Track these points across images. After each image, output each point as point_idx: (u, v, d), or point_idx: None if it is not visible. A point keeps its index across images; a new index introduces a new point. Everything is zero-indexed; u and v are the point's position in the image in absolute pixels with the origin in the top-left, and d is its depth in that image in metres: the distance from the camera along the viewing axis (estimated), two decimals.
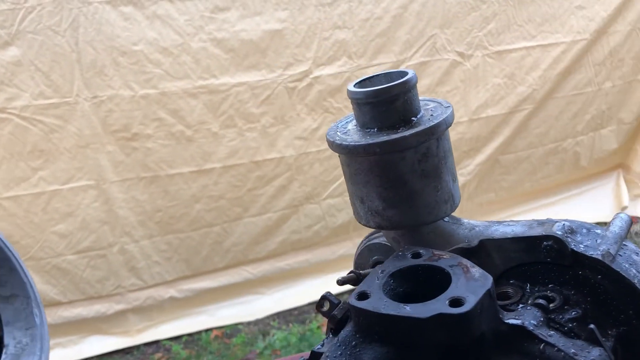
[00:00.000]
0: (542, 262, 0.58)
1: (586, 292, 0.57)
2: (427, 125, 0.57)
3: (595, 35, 2.65)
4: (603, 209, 3.23)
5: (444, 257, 0.56)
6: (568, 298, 0.57)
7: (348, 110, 2.37)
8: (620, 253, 0.57)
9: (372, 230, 0.78)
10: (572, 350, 0.50)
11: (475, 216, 2.99)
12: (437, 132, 0.58)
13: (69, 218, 2.22)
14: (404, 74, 0.59)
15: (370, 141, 0.57)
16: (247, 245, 2.54)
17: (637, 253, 0.58)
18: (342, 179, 2.48)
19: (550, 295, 0.57)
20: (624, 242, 0.59)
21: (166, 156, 2.26)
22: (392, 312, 0.51)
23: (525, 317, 0.53)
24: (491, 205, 3.02)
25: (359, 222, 0.67)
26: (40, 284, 2.30)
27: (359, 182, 0.61)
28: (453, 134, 2.61)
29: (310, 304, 2.73)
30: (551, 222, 0.62)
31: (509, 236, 0.60)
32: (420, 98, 0.61)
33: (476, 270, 0.53)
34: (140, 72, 2.10)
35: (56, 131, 2.09)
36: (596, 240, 0.58)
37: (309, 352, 0.61)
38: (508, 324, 0.52)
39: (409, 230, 0.64)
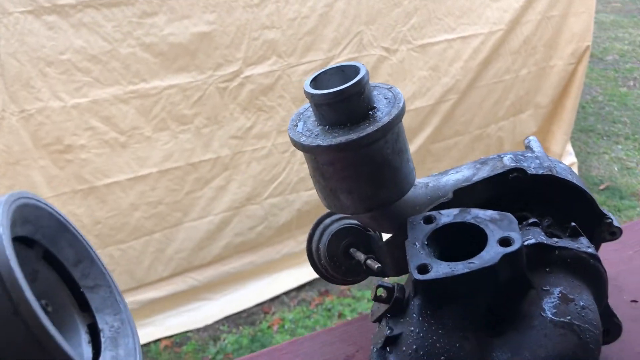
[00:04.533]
0: (507, 193, 0.67)
1: (545, 203, 0.67)
2: (398, 106, 0.62)
3: (510, 25, 2.82)
4: None
5: (455, 212, 0.63)
6: (538, 212, 0.68)
7: (281, 108, 2.42)
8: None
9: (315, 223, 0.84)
10: (576, 245, 0.61)
11: None
12: (405, 110, 0.63)
13: None
14: (356, 67, 0.62)
15: (361, 134, 0.59)
16: (190, 252, 2.52)
17: (560, 162, 0.71)
18: (282, 177, 2.51)
19: (525, 214, 0.67)
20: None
21: (101, 165, 2.22)
22: (465, 270, 0.55)
23: (534, 235, 0.61)
24: None
25: (344, 213, 0.69)
26: None
27: (347, 177, 0.63)
28: None
29: (258, 304, 2.74)
30: (490, 159, 0.71)
31: (477, 179, 0.68)
32: None
33: (490, 213, 0.61)
34: (69, 81, 2.05)
35: None
36: (536, 161, 0.69)
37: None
38: (528, 245, 0.60)
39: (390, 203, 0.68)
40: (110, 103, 2.13)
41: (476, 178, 0.68)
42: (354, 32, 2.46)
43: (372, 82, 0.65)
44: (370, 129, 0.59)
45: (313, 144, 0.60)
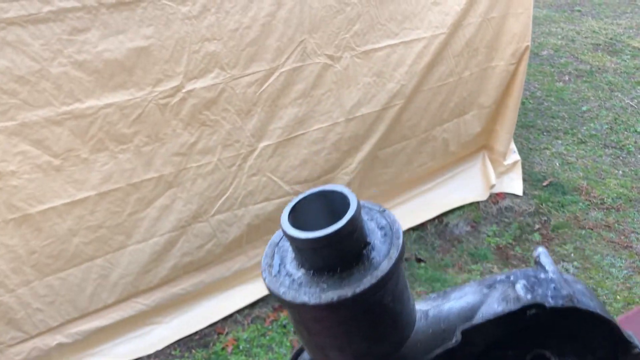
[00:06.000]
0: (523, 329, 0.59)
1: (566, 336, 0.59)
2: (398, 244, 0.50)
3: (452, 28, 2.82)
4: (474, 189, 3.47)
5: None
6: (557, 347, 0.59)
7: (225, 121, 2.33)
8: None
9: None
10: None
11: None
12: (404, 251, 0.52)
13: None
14: (342, 195, 0.50)
15: (357, 289, 0.47)
16: (136, 276, 2.40)
17: (576, 282, 0.62)
18: (229, 192, 2.42)
19: (543, 353, 0.59)
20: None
21: (35, 191, 2.07)
22: None
23: None
24: (375, 199, 3.10)
25: None
26: None
27: (338, 334, 0.52)
28: (332, 134, 2.66)
29: (210, 325, 2.65)
30: (498, 282, 0.61)
31: (488, 316, 0.57)
32: None
33: None
34: None
35: None
36: (552, 286, 0.59)
37: None
38: None
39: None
40: (42, 126, 1.99)
41: (485, 311, 0.58)
42: (297, 41, 2.39)
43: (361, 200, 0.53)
44: (367, 280, 0.47)
45: (296, 301, 0.48)
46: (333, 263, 0.49)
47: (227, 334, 2.62)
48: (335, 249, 0.48)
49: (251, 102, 2.37)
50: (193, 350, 2.55)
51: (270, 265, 0.53)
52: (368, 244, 0.51)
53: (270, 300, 2.78)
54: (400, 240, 0.51)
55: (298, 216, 0.51)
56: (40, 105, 1.97)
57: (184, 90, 2.20)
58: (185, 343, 2.58)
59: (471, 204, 3.38)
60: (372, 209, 0.55)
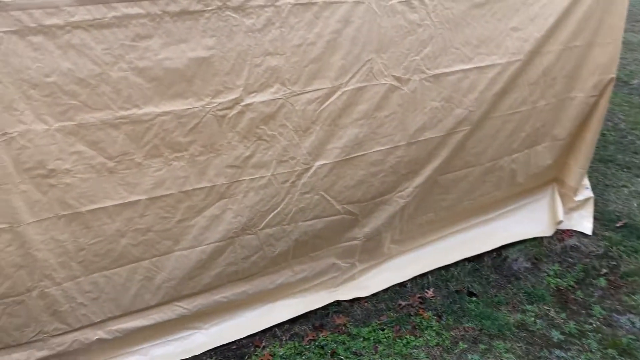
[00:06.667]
0: None
1: None
2: None
3: (529, 55, 2.65)
4: (539, 223, 3.29)
5: None
6: None
7: (282, 137, 2.27)
8: None
9: None
10: None
11: (416, 236, 2.97)
12: None
13: None
14: None
15: None
16: (180, 281, 2.40)
17: None
18: (280, 207, 2.40)
19: None
20: None
21: (87, 191, 2.10)
22: None
23: None
24: (431, 225, 3.00)
25: None
26: None
27: None
28: (391, 157, 2.57)
29: (249, 337, 2.63)
30: None
31: None
32: None
33: None
34: (54, 104, 1.92)
35: None
36: None
37: None
38: None
39: None
40: (99, 128, 2.00)
41: None
42: (363, 60, 2.31)
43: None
44: None
45: None
46: None
47: (264, 347, 2.59)
48: None
49: (310, 119, 2.31)
50: None
51: None
52: None
53: (311, 318, 2.73)
54: None
55: None
56: (98, 108, 1.98)
57: (242, 104, 2.17)
58: (222, 352, 2.57)
59: (534, 239, 3.20)
60: None
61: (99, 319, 2.33)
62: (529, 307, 2.84)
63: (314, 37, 2.18)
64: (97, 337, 2.36)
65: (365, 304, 2.84)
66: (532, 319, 2.76)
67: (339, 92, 2.31)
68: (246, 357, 2.54)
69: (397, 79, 2.41)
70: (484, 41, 2.54)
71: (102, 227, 2.17)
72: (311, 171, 2.41)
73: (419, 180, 2.70)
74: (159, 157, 2.14)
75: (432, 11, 2.37)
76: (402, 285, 2.96)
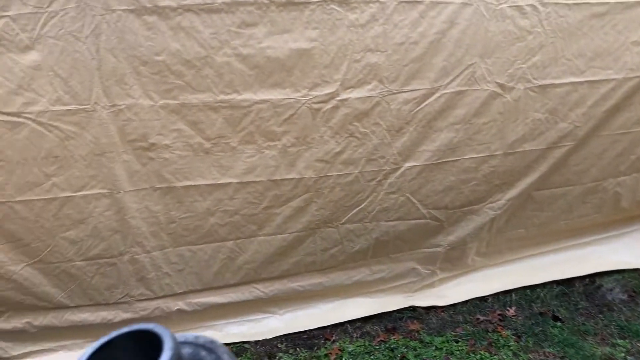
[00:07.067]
0: None
1: None
2: None
3: None
4: None
5: None
6: None
7: (374, 135, 2.26)
8: None
9: None
10: None
11: (503, 251, 2.85)
12: None
13: (80, 225, 2.18)
14: (157, 335, 0.40)
15: None
16: (260, 264, 2.46)
17: None
18: (364, 205, 2.38)
19: None
20: None
21: (183, 167, 2.20)
22: None
23: None
24: (521, 241, 2.88)
25: None
26: (49, 287, 2.27)
27: None
28: (485, 166, 2.48)
29: (320, 328, 2.64)
30: None
31: None
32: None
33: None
34: (161, 82, 2.02)
35: (72, 138, 2.04)
36: None
37: None
38: None
39: None
40: (199, 109, 2.09)
41: None
42: (466, 64, 2.24)
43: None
44: None
45: None
46: None
47: (334, 341, 2.60)
48: None
49: (405, 119, 2.28)
50: (298, 349, 2.56)
51: None
52: None
53: (384, 319, 2.71)
54: None
55: None
56: (201, 90, 2.06)
57: (338, 98, 2.17)
58: (293, 339, 2.60)
59: (634, 271, 2.97)
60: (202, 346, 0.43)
61: (181, 290, 2.44)
62: (620, 341, 2.64)
63: (417, 36, 2.14)
64: (177, 308, 2.47)
65: (442, 313, 2.77)
66: (623, 354, 2.57)
67: (437, 94, 2.26)
68: (315, 348, 2.56)
69: (500, 85, 2.32)
70: (600, 54, 2.38)
71: (194, 204, 2.26)
72: (399, 172, 2.38)
73: (512, 193, 2.60)
74: (253, 144, 2.20)
75: (544, 18, 2.26)
76: (482, 299, 2.86)
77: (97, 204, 2.16)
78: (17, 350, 2.36)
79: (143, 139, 2.11)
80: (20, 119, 1.96)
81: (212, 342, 0.50)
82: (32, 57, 1.91)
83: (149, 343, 0.44)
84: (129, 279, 2.35)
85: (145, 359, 0.43)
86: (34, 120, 1.98)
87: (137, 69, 1.99)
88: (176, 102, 2.07)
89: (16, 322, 2.31)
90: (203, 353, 0.49)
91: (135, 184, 2.18)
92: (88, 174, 2.12)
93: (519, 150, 2.48)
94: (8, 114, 1.95)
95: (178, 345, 0.42)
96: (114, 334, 0.46)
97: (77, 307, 2.36)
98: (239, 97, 2.10)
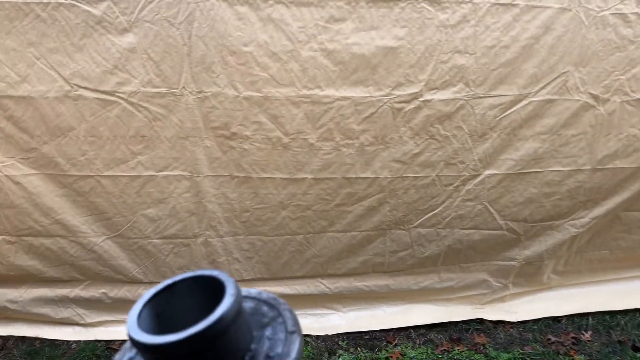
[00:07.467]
0: None
1: None
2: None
3: None
4: None
5: None
6: None
7: (455, 139, 2.21)
8: None
9: None
10: None
11: (582, 272, 2.71)
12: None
13: (160, 204, 2.26)
14: (218, 281, 0.38)
15: None
16: (327, 259, 2.47)
17: None
18: (438, 209, 2.33)
19: None
20: None
21: (260, 159, 2.23)
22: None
23: None
24: (603, 263, 2.72)
25: None
26: (126, 261, 2.37)
27: None
28: (570, 180, 2.37)
29: (383, 331, 2.61)
30: None
31: None
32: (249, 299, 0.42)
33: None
34: (246, 73, 2.06)
35: (159, 119, 2.12)
36: None
37: None
38: None
39: None
40: (281, 103, 2.11)
41: None
42: (558, 72, 2.14)
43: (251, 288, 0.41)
44: None
45: None
46: None
47: (395, 345, 2.56)
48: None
49: (488, 125, 2.21)
50: (359, 348, 2.54)
51: None
52: (249, 351, 0.38)
53: (450, 329, 2.64)
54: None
55: (163, 311, 0.40)
56: (284, 84, 2.08)
57: (421, 99, 2.14)
58: (354, 339, 2.59)
59: None
60: (267, 301, 0.42)
61: (249, 277, 2.48)
62: None
63: (509, 40, 2.07)
64: None
65: (511, 329, 2.67)
66: None
67: (525, 102, 2.18)
68: (376, 349, 2.54)
69: (594, 97, 2.20)
70: None
71: (268, 196, 2.30)
72: (479, 179, 2.31)
73: (598, 211, 2.46)
74: (331, 141, 2.20)
75: None
76: (555, 319, 2.73)
77: (177, 185, 2.23)
78: (92, 318, 2.49)
79: (225, 128, 2.16)
80: (113, 98, 2.06)
81: (275, 298, 0.50)
82: (129, 39, 1.99)
83: (212, 289, 0.45)
84: (201, 260, 2.42)
85: (207, 304, 0.44)
86: (125, 100, 2.07)
87: (225, 58, 2.03)
88: (259, 94, 2.10)
89: (94, 292, 2.43)
90: (265, 308, 0.49)
91: (214, 170, 2.24)
92: (171, 156, 2.19)
93: (609, 166, 2.35)
94: (103, 92, 2.05)
95: (240, 292, 0.42)
96: (177, 277, 0.47)
97: (149, 283, 2.45)
98: (321, 93, 2.10)
